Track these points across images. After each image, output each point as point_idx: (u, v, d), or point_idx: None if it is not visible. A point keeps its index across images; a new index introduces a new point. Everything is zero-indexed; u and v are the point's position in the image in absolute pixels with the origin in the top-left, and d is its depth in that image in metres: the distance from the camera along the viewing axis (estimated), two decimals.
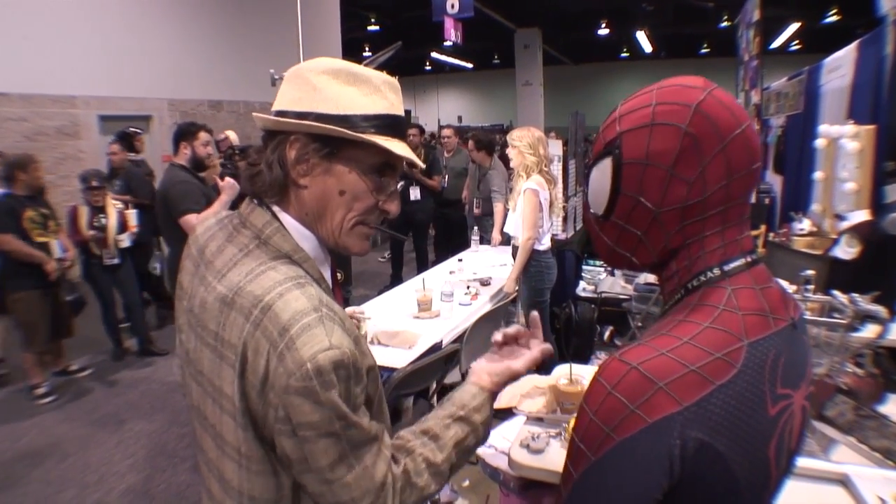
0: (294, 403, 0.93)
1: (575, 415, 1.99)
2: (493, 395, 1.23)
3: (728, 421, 0.79)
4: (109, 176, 6.29)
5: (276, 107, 1.09)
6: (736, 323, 0.83)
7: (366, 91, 1.07)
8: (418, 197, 7.30)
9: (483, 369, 1.26)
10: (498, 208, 6.28)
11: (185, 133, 4.13)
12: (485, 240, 6.29)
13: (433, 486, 1.10)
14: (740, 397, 0.80)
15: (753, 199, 6.66)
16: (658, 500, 0.80)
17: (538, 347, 1.29)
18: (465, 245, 7.16)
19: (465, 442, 1.15)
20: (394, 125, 1.09)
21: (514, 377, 1.25)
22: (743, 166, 0.85)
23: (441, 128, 8.26)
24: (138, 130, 7.45)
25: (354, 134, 1.03)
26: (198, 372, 1.06)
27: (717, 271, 0.88)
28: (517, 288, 4.45)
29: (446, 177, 7.46)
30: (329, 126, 1.03)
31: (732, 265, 0.88)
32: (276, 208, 1.09)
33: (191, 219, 3.78)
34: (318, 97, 1.05)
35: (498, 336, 1.30)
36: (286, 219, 1.09)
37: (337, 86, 1.06)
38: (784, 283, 2.26)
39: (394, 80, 1.13)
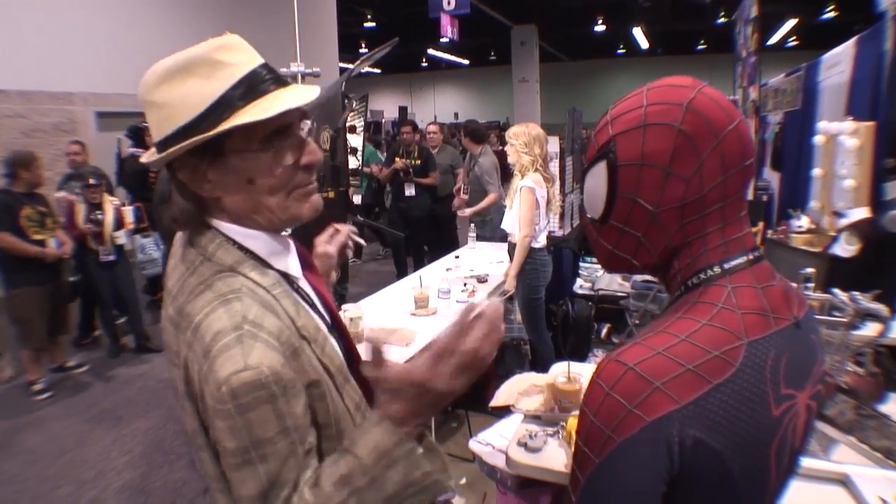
0: (217, 426, 0.91)
1: (573, 413, 1.98)
2: (406, 412, 0.96)
3: (726, 420, 0.79)
4: (71, 177, 5.91)
5: (154, 141, 1.03)
6: (735, 321, 0.83)
7: (206, 73, 0.98)
8: (413, 193, 7.28)
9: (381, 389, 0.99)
10: (490, 197, 6.43)
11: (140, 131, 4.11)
12: (480, 236, 6.28)
13: None
14: (739, 396, 0.80)
15: (751, 196, 6.67)
16: (663, 495, 0.80)
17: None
18: (454, 242, 7.22)
19: (351, 480, 0.93)
20: (254, 83, 1.00)
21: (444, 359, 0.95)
22: (737, 161, 0.86)
23: (428, 124, 8.21)
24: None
25: (207, 134, 0.96)
26: (177, 392, 1.04)
27: (717, 269, 0.88)
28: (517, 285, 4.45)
29: (437, 174, 7.43)
30: (187, 141, 0.96)
31: (733, 263, 0.88)
32: (214, 222, 1.05)
33: None
34: (166, 115, 0.98)
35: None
36: (228, 228, 1.05)
37: (176, 89, 0.98)
38: None
39: (229, 38, 1.04)
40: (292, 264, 1.12)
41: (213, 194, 1.02)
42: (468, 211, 6.39)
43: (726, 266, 0.88)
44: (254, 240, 1.06)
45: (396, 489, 0.93)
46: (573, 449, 0.87)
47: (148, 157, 1.05)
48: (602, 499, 0.81)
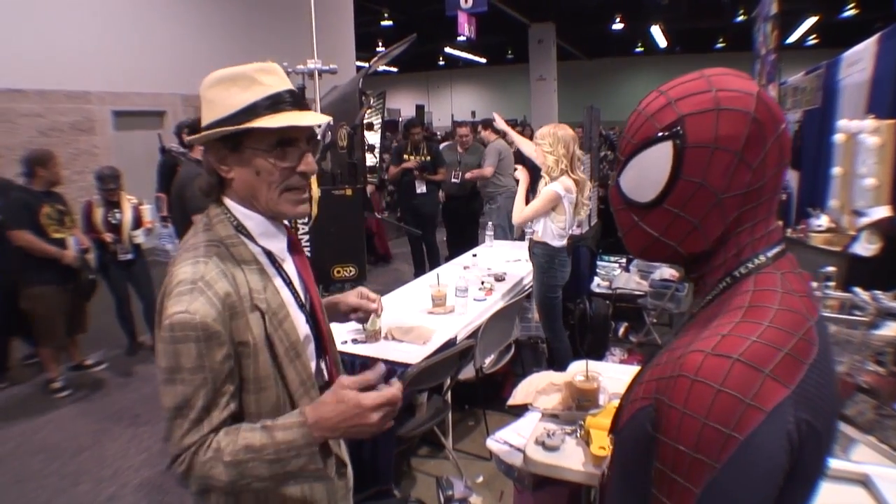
0: (157, 348, 1.20)
1: (591, 412, 1.97)
2: (314, 428, 1.18)
3: (820, 399, 0.79)
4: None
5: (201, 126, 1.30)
6: (798, 304, 0.84)
7: (244, 85, 1.26)
8: (424, 190, 7.30)
9: (327, 395, 1.23)
10: (484, 170, 7.32)
11: (190, 127, 4.12)
12: (498, 234, 6.35)
13: (218, 471, 1.18)
14: (824, 374, 0.81)
15: None
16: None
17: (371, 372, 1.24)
18: (475, 240, 7.28)
19: (261, 452, 1.17)
20: (277, 101, 1.27)
21: (349, 405, 1.18)
22: (788, 154, 0.89)
23: (456, 125, 8.27)
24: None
25: (234, 128, 1.23)
26: None
27: (762, 258, 0.89)
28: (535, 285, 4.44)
29: (461, 173, 7.46)
30: (219, 129, 1.24)
31: (775, 251, 0.90)
32: (226, 199, 1.33)
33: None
34: (211, 108, 1.28)
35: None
36: (234, 206, 1.32)
37: (221, 92, 1.27)
38: None
39: (269, 65, 1.32)
40: (279, 247, 1.38)
41: (228, 175, 1.30)
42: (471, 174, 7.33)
43: (769, 254, 0.89)
44: (250, 220, 1.33)
45: (287, 470, 1.20)
46: (666, 466, 0.81)
47: (192, 137, 1.33)
48: (738, 497, 0.77)
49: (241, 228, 1.31)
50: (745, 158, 0.85)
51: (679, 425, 0.78)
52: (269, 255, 1.35)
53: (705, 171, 0.86)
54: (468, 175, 7.42)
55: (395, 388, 1.21)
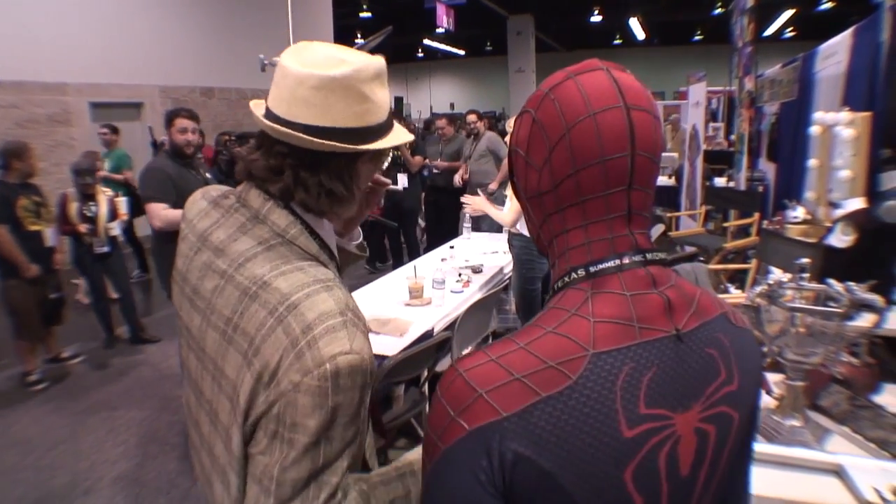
0: (298, 402, 0.92)
1: None
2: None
3: (556, 437, 0.71)
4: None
5: (322, 121, 1.03)
6: (583, 330, 0.75)
7: (386, 84, 1.10)
8: (406, 184, 7.28)
9: None
10: (504, 165, 6.94)
11: (165, 120, 4.10)
12: (477, 227, 6.36)
13: None
14: (575, 412, 0.71)
15: (745, 187, 6.68)
16: None
17: None
18: (456, 232, 7.29)
19: (401, 498, 1.09)
20: (391, 115, 1.13)
21: None
22: (591, 156, 0.77)
23: (435, 117, 8.28)
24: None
25: (404, 141, 1.13)
26: (200, 349, 1.07)
27: (581, 272, 0.80)
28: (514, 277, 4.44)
29: (440, 162, 7.49)
30: (396, 142, 1.11)
31: (600, 266, 0.80)
32: (298, 209, 1.08)
33: (153, 207, 3.78)
34: (372, 107, 1.06)
35: None
36: (315, 220, 1.10)
37: (379, 91, 1.07)
38: (777, 272, 2.24)
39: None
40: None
41: (359, 186, 1.12)
42: (494, 185, 7.11)
43: (592, 269, 0.80)
44: (325, 230, 1.13)
45: None
46: None
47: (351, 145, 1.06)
48: None
49: (319, 241, 1.10)
50: (530, 160, 0.83)
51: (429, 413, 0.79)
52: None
53: (514, 174, 0.88)
54: (444, 165, 7.46)
55: None
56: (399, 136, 1.13)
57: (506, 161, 6.74)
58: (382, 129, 1.09)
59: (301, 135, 1.01)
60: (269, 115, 1.05)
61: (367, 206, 1.25)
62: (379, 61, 1.07)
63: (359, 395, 0.96)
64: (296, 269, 1.01)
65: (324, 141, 1.01)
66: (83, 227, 5.25)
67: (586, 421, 0.71)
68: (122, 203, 5.71)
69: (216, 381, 1.03)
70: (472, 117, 7.45)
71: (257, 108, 1.10)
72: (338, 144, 1.02)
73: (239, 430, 0.98)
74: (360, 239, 1.35)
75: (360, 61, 1.03)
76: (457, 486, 0.72)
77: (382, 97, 1.08)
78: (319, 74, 1.00)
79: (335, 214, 1.12)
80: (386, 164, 1.17)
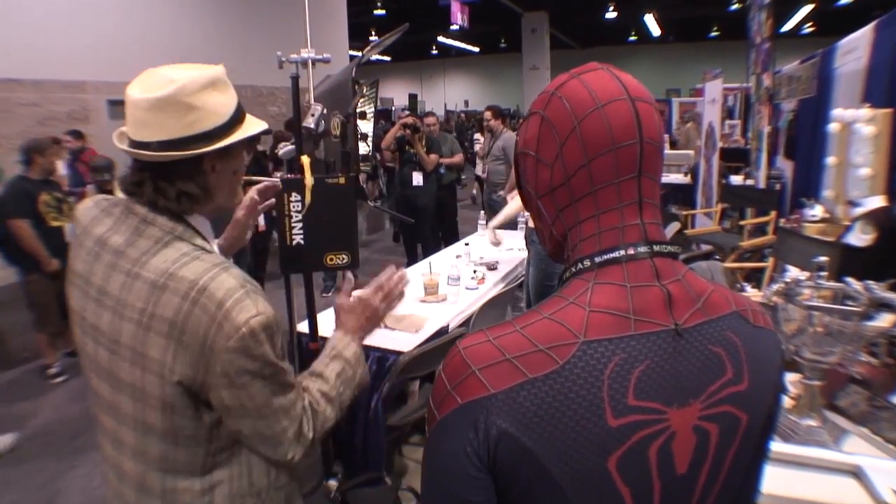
0: (232, 360, 1.15)
1: None
2: (357, 332, 1.53)
3: (539, 418, 0.74)
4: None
5: (160, 136, 1.20)
6: (577, 318, 0.77)
7: (222, 89, 1.26)
8: (421, 182, 7.27)
9: (340, 312, 1.55)
10: (455, 158, 7.35)
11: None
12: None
13: (330, 412, 1.36)
14: (559, 395, 0.74)
15: (763, 185, 6.64)
16: (478, 480, 0.77)
17: (384, 274, 1.60)
18: (456, 228, 7.63)
19: (344, 373, 1.42)
20: (240, 105, 1.31)
21: (367, 306, 1.54)
22: (601, 145, 0.80)
23: (425, 115, 8.29)
24: None
25: (248, 136, 1.28)
26: (113, 342, 1.22)
27: (587, 262, 0.82)
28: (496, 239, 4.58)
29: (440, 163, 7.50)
30: (234, 140, 1.26)
31: (606, 257, 0.81)
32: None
33: None
34: (204, 115, 1.22)
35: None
36: (193, 218, 1.29)
37: (210, 98, 1.23)
38: (794, 271, 2.22)
39: (221, 67, 1.30)
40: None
41: (215, 185, 1.29)
42: (504, 193, 6.75)
43: (597, 260, 0.81)
44: (203, 225, 1.32)
45: (360, 381, 1.46)
46: None
47: (184, 154, 1.22)
48: (427, 471, 0.82)
49: (197, 233, 1.29)
50: (541, 158, 0.86)
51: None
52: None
53: (524, 176, 0.91)
54: (445, 161, 7.50)
55: (385, 273, 1.55)
56: (248, 129, 1.30)
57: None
58: (222, 130, 1.24)
59: (143, 151, 1.20)
60: (129, 140, 1.24)
61: (233, 196, 1.38)
62: (212, 71, 1.25)
63: (276, 342, 1.20)
64: (193, 259, 1.20)
65: (162, 153, 1.20)
66: None
67: (570, 406, 0.74)
68: None
69: (137, 364, 1.19)
70: (487, 114, 7.31)
71: (120, 137, 1.29)
72: (174, 153, 1.20)
73: (177, 394, 1.18)
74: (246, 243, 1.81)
75: (186, 77, 1.20)
76: (447, 454, 0.78)
77: (215, 103, 1.23)
78: (148, 97, 1.19)
79: (198, 212, 1.30)
80: (248, 158, 1.27)
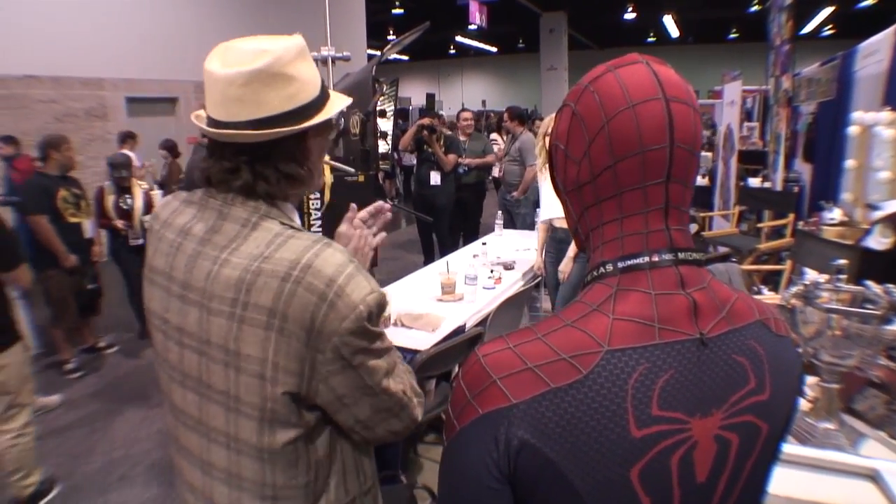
0: (347, 341, 1.04)
1: None
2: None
3: (562, 428, 0.72)
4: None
5: (257, 114, 1.08)
6: (601, 326, 0.75)
7: (310, 59, 1.16)
8: (438, 182, 7.27)
9: (340, 240, 1.42)
10: (528, 172, 6.89)
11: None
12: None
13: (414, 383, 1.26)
14: (583, 406, 0.72)
15: (780, 187, 6.60)
16: (497, 491, 0.75)
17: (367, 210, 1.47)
18: (477, 228, 7.57)
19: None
20: (324, 87, 1.20)
21: (352, 237, 1.42)
22: (629, 147, 0.77)
23: (460, 111, 8.26)
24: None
25: (345, 106, 1.21)
26: (204, 342, 1.10)
27: (610, 267, 0.80)
28: (542, 265, 4.45)
29: (466, 160, 7.47)
30: (335, 112, 1.17)
31: (629, 262, 0.79)
32: (262, 201, 1.14)
33: None
34: (301, 86, 1.11)
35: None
36: (285, 206, 1.17)
37: (307, 67, 1.13)
38: (813, 273, 2.21)
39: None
40: None
41: (314, 161, 1.19)
42: (517, 193, 7.09)
43: (621, 265, 0.79)
44: (293, 213, 1.20)
45: None
46: None
47: (296, 128, 1.11)
48: (444, 482, 0.80)
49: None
50: (569, 153, 0.83)
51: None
52: None
53: (555, 168, 0.89)
54: (473, 162, 7.45)
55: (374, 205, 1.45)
56: (337, 103, 1.20)
57: (529, 169, 6.80)
58: (319, 103, 1.15)
59: (245, 131, 1.07)
60: (211, 121, 1.11)
61: (321, 177, 1.30)
62: (297, 40, 1.12)
63: (380, 321, 1.11)
64: (289, 238, 1.08)
65: (267, 130, 1.07)
66: (120, 224, 5.35)
67: (594, 416, 0.72)
68: (157, 196, 5.79)
69: (231, 366, 1.07)
70: (505, 116, 7.46)
71: (199, 119, 1.17)
72: (280, 130, 1.08)
73: (277, 397, 1.06)
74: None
75: (279, 47, 1.08)
76: (466, 465, 0.75)
77: (309, 73, 1.13)
78: (244, 71, 1.05)
79: (295, 196, 1.20)
80: (333, 135, 1.24)
